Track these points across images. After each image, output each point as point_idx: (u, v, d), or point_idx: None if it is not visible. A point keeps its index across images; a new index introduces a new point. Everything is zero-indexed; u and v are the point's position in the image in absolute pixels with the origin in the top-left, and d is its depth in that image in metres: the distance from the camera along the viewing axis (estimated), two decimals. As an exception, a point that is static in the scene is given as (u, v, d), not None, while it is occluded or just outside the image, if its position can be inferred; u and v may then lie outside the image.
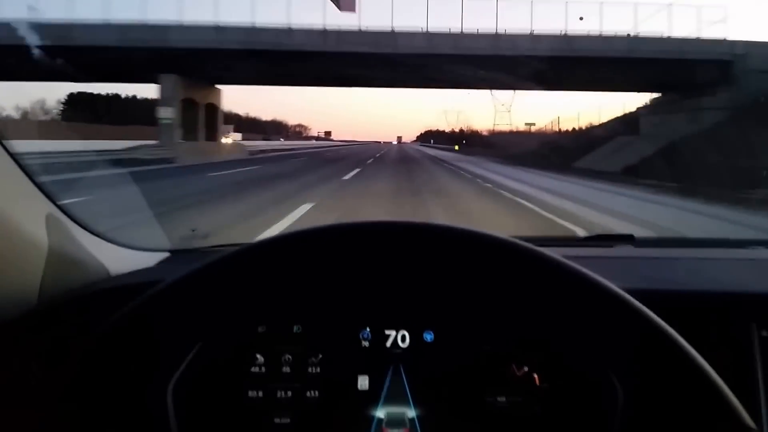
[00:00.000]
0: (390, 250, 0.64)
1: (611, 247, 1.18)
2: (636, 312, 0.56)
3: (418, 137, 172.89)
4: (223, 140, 30.93)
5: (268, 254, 0.63)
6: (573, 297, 0.60)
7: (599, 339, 0.60)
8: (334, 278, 0.68)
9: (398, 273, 0.68)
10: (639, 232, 1.28)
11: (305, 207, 7.24)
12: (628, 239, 1.20)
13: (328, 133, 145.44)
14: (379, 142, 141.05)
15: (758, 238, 1.37)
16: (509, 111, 70.26)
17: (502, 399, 0.69)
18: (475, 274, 0.65)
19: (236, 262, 0.62)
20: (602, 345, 0.60)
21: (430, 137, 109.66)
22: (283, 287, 0.66)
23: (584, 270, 0.59)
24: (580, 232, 5.17)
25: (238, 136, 39.63)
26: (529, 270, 0.62)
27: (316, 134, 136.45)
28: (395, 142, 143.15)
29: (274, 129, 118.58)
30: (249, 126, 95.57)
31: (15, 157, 0.72)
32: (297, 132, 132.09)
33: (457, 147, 49.95)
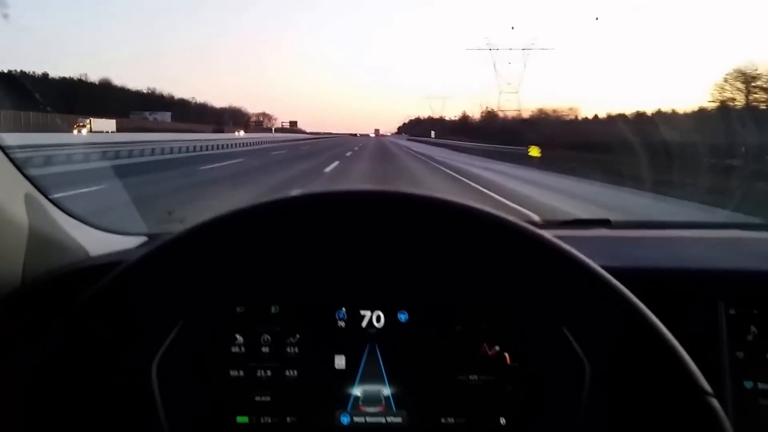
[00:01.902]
0: (364, 217, 0.63)
1: (588, 229, 1.16)
2: (606, 286, 0.56)
3: (400, 128, 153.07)
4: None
5: (232, 227, 0.61)
6: (547, 270, 0.60)
7: (570, 312, 0.61)
8: (307, 250, 0.67)
9: (373, 246, 0.67)
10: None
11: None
12: (604, 223, 1.18)
13: (293, 124, 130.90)
14: (356, 135, 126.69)
15: (731, 221, 1.29)
16: (517, 92, 55.30)
17: (474, 377, 0.71)
18: (449, 245, 0.64)
19: (200, 235, 0.60)
20: (572, 318, 0.61)
21: (430, 128, 76.02)
22: (253, 258, 0.65)
23: (561, 243, 0.58)
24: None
25: (108, 124, 23.97)
26: (503, 240, 0.61)
27: (280, 125, 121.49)
28: (373, 135, 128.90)
29: (232, 118, 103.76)
30: (196, 114, 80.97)
31: None
32: (258, 122, 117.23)
33: (535, 151, 20.96)
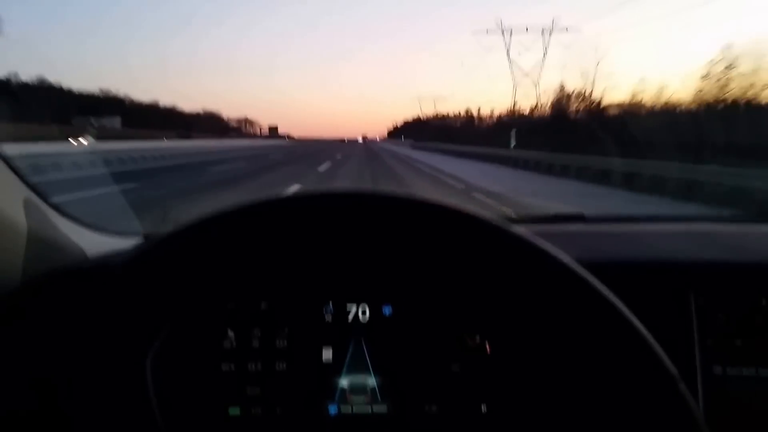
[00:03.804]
0: (348, 218, 0.67)
1: (564, 224, 1.18)
2: (578, 278, 0.59)
3: (390, 132, 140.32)
4: None
5: (220, 226, 0.64)
6: (521, 264, 0.63)
7: (544, 304, 0.63)
8: (295, 248, 0.70)
9: (357, 243, 0.70)
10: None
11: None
12: (579, 218, 1.21)
13: (273, 129, 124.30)
14: (344, 140, 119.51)
15: (704, 214, 1.33)
16: (537, 85, 46.92)
17: (456, 367, 0.74)
18: (430, 244, 0.67)
19: (187, 235, 0.63)
20: (546, 309, 0.63)
21: (445, 132, 50.78)
22: (242, 256, 0.67)
23: (535, 238, 0.61)
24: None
25: None
26: (479, 236, 0.64)
27: (259, 131, 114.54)
28: (360, 141, 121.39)
29: (207, 125, 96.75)
30: (161, 120, 73.94)
31: None
32: (236, 128, 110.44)
33: None
